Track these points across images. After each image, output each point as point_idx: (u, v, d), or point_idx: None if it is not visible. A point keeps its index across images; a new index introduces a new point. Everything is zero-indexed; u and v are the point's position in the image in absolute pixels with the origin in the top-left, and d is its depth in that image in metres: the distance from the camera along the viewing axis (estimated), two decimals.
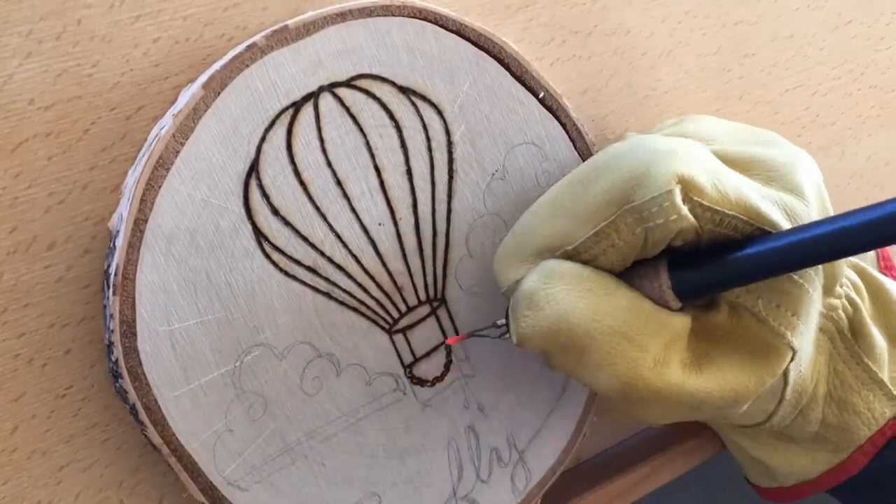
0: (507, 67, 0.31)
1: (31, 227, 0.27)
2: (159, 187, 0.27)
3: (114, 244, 0.27)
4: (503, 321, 0.30)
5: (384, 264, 0.30)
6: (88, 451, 0.29)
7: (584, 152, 0.33)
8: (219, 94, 0.27)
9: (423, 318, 0.31)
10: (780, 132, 0.42)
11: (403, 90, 0.30)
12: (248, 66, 0.28)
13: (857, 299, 0.32)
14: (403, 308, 0.31)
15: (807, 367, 0.31)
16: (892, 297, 0.33)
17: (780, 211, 0.28)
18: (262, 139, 0.28)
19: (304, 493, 0.30)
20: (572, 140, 0.33)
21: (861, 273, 0.33)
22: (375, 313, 0.30)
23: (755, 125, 0.41)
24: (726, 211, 0.27)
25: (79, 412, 0.28)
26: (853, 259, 0.33)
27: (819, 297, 0.30)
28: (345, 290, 0.30)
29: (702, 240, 0.27)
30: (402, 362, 0.31)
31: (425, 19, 0.30)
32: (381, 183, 0.30)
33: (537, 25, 0.35)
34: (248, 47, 0.28)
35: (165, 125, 0.27)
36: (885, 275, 0.34)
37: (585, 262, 0.28)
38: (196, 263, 0.27)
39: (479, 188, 0.32)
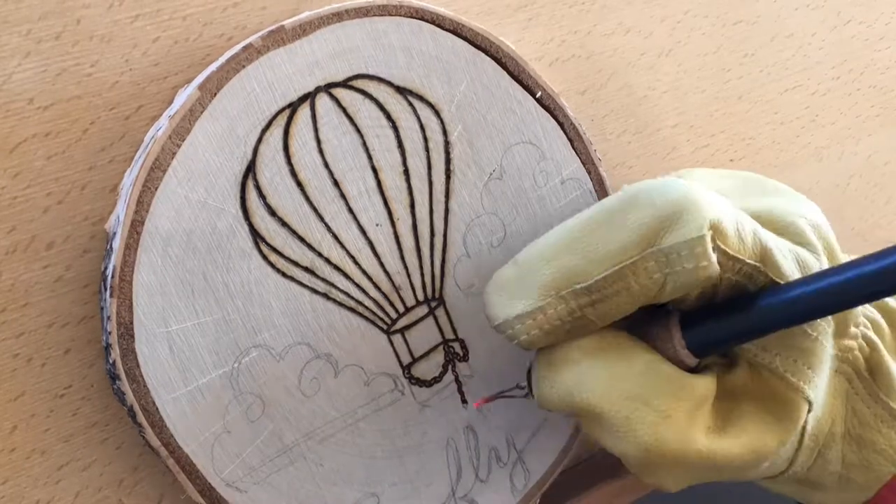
0: (505, 67, 0.31)
1: (30, 226, 0.27)
2: (156, 189, 0.27)
3: (111, 246, 0.27)
4: (525, 383, 0.30)
5: (382, 264, 0.30)
6: (87, 450, 0.29)
7: (582, 151, 0.33)
8: (215, 95, 0.27)
9: (422, 319, 0.31)
10: (780, 132, 0.42)
11: (400, 90, 0.30)
12: (244, 66, 0.28)
13: (875, 338, 0.31)
14: (401, 308, 0.31)
15: (821, 411, 0.30)
16: None
17: (795, 263, 0.28)
18: (259, 140, 0.28)
19: (302, 494, 0.30)
20: (570, 139, 0.33)
21: (882, 307, 0.32)
22: (373, 314, 0.30)
23: (755, 125, 0.41)
24: (746, 259, 0.26)
25: (78, 412, 0.28)
26: None
27: (831, 343, 0.29)
28: (342, 291, 0.30)
29: (719, 289, 0.27)
30: (400, 363, 0.31)
31: (422, 19, 0.30)
32: (379, 183, 0.30)
33: (537, 25, 0.35)
34: (245, 48, 0.28)
35: (162, 126, 0.27)
36: None
37: (593, 303, 0.26)
38: (193, 265, 0.27)
39: (476, 188, 0.32)
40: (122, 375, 0.27)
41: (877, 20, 0.44)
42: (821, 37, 0.43)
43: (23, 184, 0.27)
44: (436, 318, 0.32)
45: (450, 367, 0.32)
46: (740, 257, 0.26)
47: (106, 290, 0.27)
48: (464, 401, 0.32)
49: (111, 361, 0.27)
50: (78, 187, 0.28)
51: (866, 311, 0.32)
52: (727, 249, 0.26)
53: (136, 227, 0.26)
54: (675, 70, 0.39)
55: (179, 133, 0.27)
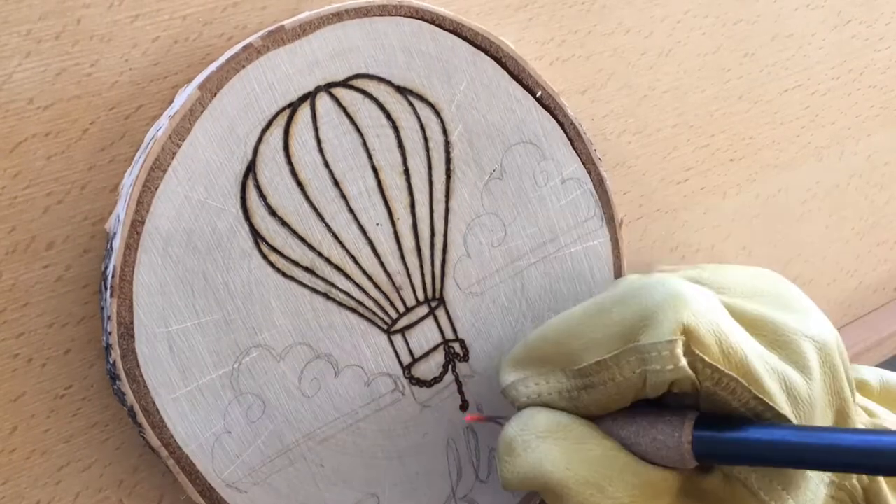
0: (505, 66, 0.31)
1: (30, 226, 0.27)
2: (156, 189, 0.27)
3: (111, 246, 0.27)
4: None
5: (382, 264, 0.30)
6: (88, 450, 0.29)
7: (582, 151, 0.33)
8: (215, 94, 0.27)
9: (422, 319, 0.31)
10: (780, 132, 0.42)
11: (401, 90, 0.30)
12: (244, 66, 0.28)
13: None
14: (402, 308, 0.31)
15: None
16: None
17: (779, 384, 0.27)
18: (259, 140, 0.28)
19: (302, 495, 0.30)
20: (570, 139, 0.33)
21: (886, 391, 0.32)
22: (374, 314, 0.30)
23: (755, 125, 0.41)
24: (725, 370, 0.26)
25: (78, 412, 0.28)
26: (882, 374, 0.33)
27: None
28: (343, 291, 0.30)
29: (701, 395, 0.27)
30: (400, 363, 0.31)
31: (422, 19, 0.30)
32: (379, 183, 0.30)
33: (537, 25, 0.35)
34: (245, 48, 0.28)
35: (162, 126, 0.27)
36: None
37: (585, 386, 0.28)
38: (193, 265, 0.27)
39: (476, 188, 0.32)
40: (123, 376, 0.27)
41: (877, 20, 0.44)
42: (821, 37, 0.43)
43: (23, 184, 0.27)
44: (436, 319, 0.32)
45: (450, 367, 0.32)
46: (717, 366, 0.26)
47: (106, 289, 0.27)
48: (464, 401, 0.32)
49: (111, 362, 0.27)
50: (78, 187, 0.28)
51: (864, 410, 0.31)
52: (703, 356, 0.26)
53: (136, 226, 0.26)
54: (675, 70, 0.39)
55: (179, 133, 0.27)
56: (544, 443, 0.27)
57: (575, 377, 0.28)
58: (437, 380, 0.32)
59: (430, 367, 0.32)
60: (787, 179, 0.43)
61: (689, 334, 0.26)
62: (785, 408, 0.27)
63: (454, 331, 0.32)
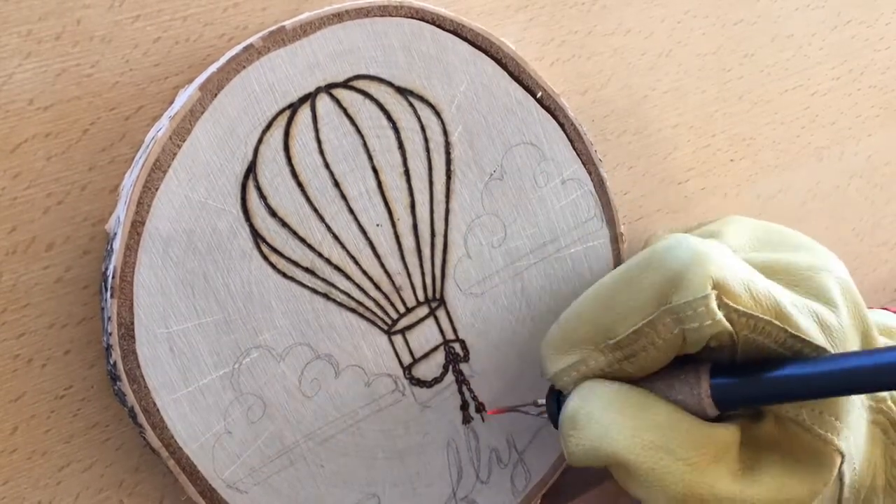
0: (505, 67, 0.31)
1: (31, 227, 0.27)
2: (156, 189, 0.27)
3: (111, 246, 0.27)
4: (543, 401, 0.30)
5: (382, 265, 0.30)
6: (88, 451, 0.29)
7: (582, 152, 0.33)
8: (216, 95, 0.27)
9: (422, 319, 0.31)
10: (780, 132, 0.42)
11: (401, 91, 0.30)
12: (244, 67, 0.28)
13: None
14: (402, 309, 0.31)
15: (861, 463, 0.30)
16: None
17: (811, 318, 0.28)
18: (259, 141, 0.28)
19: (302, 495, 0.30)
20: (570, 140, 0.33)
21: None
22: (374, 314, 0.30)
23: (755, 125, 0.41)
24: (760, 315, 0.27)
25: (78, 412, 0.28)
26: None
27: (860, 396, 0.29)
28: (343, 292, 0.30)
29: (738, 345, 0.27)
30: (400, 363, 0.31)
31: (422, 19, 0.30)
32: (379, 184, 0.30)
33: (537, 25, 0.35)
34: (245, 48, 0.28)
35: (162, 127, 0.27)
36: None
37: (627, 357, 0.28)
38: (194, 265, 0.27)
39: (476, 188, 0.32)
40: (123, 376, 0.27)
41: (877, 20, 0.44)
42: (821, 37, 0.43)
43: (23, 184, 0.27)
44: (436, 319, 0.32)
45: (451, 367, 0.32)
46: (753, 313, 0.27)
47: (107, 290, 0.27)
48: (464, 402, 0.32)
49: (112, 362, 0.27)
50: (78, 188, 0.28)
51: None
52: (737, 307, 0.27)
53: (136, 227, 0.26)
54: (675, 70, 0.39)
55: (180, 133, 0.27)
56: (608, 413, 0.27)
57: (614, 351, 0.28)
58: (437, 380, 0.32)
59: (430, 368, 0.32)
60: (787, 180, 0.43)
61: (719, 288, 0.27)
62: (821, 339, 0.27)
63: (454, 331, 0.32)
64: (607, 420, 0.27)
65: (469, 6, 0.33)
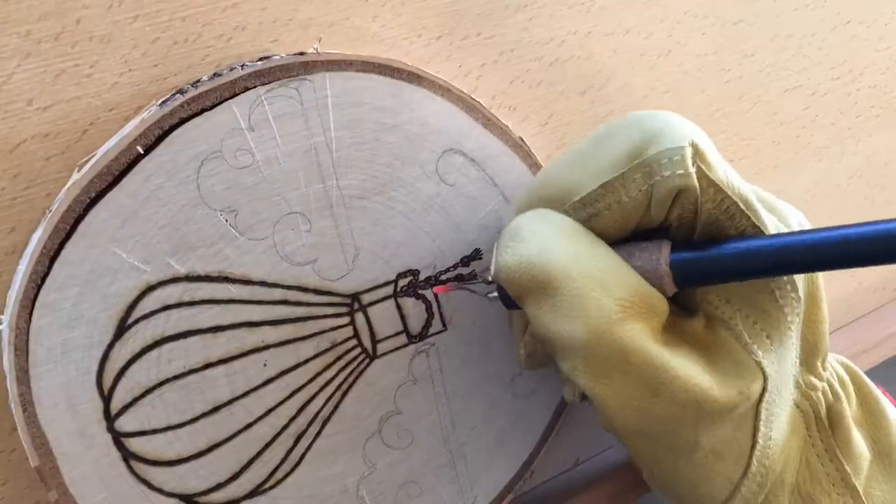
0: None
1: (30, 227, 0.27)
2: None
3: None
4: (493, 277, 0.29)
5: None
6: None
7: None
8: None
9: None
10: (780, 132, 0.42)
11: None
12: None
13: (841, 392, 0.31)
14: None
15: (777, 441, 0.29)
16: (883, 410, 0.32)
17: (774, 222, 0.28)
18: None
19: None
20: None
21: (852, 374, 0.32)
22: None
23: (755, 125, 0.41)
24: (728, 193, 0.27)
25: None
26: (845, 360, 0.33)
27: (797, 337, 0.29)
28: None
29: (699, 220, 0.27)
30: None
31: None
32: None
33: (536, 25, 0.35)
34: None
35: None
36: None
37: (589, 216, 0.27)
38: None
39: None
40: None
41: (877, 20, 0.44)
42: (821, 37, 0.43)
43: (22, 185, 0.27)
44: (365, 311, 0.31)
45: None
46: (721, 187, 0.26)
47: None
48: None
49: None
50: None
51: (837, 368, 0.32)
52: (708, 173, 0.26)
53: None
54: (675, 70, 0.38)
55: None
56: (555, 234, 0.27)
57: (578, 210, 0.27)
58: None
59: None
60: (786, 180, 0.43)
61: (697, 152, 0.26)
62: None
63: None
64: (551, 239, 0.26)
65: (469, 6, 0.33)
